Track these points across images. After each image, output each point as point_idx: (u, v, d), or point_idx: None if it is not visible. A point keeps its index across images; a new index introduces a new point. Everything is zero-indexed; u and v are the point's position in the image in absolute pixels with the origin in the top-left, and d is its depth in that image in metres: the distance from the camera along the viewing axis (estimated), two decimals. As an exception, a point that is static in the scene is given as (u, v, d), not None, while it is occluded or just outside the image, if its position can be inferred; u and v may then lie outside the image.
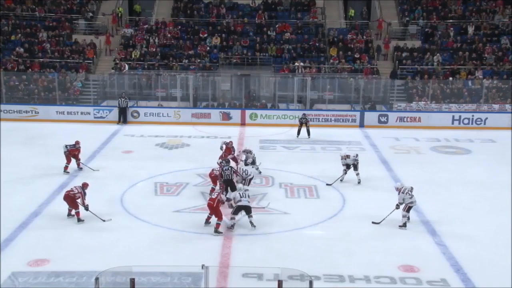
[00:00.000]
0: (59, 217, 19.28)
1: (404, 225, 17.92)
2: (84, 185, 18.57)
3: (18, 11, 41.08)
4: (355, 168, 22.54)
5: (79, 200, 18.33)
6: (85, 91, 36.09)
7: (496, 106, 34.11)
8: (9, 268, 15.37)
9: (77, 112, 33.90)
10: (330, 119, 33.47)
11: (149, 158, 26.21)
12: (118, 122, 33.17)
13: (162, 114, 33.92)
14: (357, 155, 22.86)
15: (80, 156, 24.01)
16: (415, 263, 15.93)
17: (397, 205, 17.85)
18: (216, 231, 17.40)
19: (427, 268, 15.64)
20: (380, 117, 33.52)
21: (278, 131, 31.51)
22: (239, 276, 15.03)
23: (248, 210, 17.54)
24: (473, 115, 33.39)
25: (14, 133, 29.88)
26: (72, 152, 24.37)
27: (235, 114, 33.79)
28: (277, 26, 40.21)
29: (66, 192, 18.53)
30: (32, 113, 33.46)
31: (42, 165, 24.76)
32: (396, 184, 18.17)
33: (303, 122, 30.19)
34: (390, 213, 17.87)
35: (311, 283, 11.28)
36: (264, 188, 22.14)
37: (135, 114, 33.66)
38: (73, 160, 23.65)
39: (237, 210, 17.59)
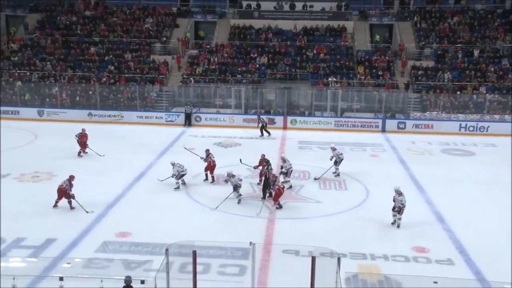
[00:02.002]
0: (138, 199, 19.66)
1: (396, 223, 17.24)
2: (71, 177, 18.38)
3: (111, 37, 41.68)
4: (336, 163, 22.64)
5: (70, 193, 18.12)
6: (159, 100, 36.45)
7: (497, 116, 33.66)
8: (101, 238, 15.99)
9: (153, 116, 34.39)
10: (357, 125, 33.28)
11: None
12: (184, 125, 33.46)
13: (219, 119, 34.15)
14: (341, 153, 22.99)
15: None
16: (426, 245, 15.93)
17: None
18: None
19: (435, 250, 15.65)
20: (399, 124, 33.20)
21: (314, 134, 31.38)
22: (279, 252, 15.13)
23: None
24: (477, 124, 32.96)
25: (103, 132, 30.38)
26: (82, 138, 25.41)
27: (279, 119, 33.78)
28: (314, 48, 40.06)
29: (59, 186, 18.21)
30: (118, 117, 33.97)
31: (125, 158, 25.15)
32: (396, 186, 17.38)
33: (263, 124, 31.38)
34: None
35: (339, 259, 11.30)
36: (301, 181, 22.17)
37: (198, 119, 33.89)
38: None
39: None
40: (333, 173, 22.74)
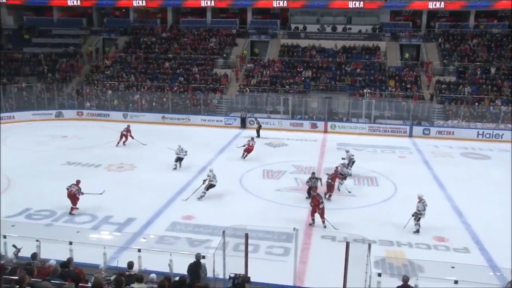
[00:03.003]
0: (201, 188, 19.80)
1: (417, 231, 15.87)
2: (78, 182, 17.11)
3: (182, 54, 42.23)
4: (348, 165, 21.71)
5: (79, 196, 16.75)
6: (219, 106, 36.74)
7: (510, 125, 32.55)
8: (170, 219, 16.40)
9: (214, 120, 34.70)
10: (388, 130, 32.80)
11: (260, 153, 26.37)
12: (240, 127, 33.61)
13: (270, 123, 34.02)
14: (353, 155, 22.56)
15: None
16: (445, 235, 15.76)
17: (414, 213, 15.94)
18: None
19: (454, 239, 15.48)
20: (424, 130, 32.59)
21: (350, 137, 31.09)
22: (318, 237, 15.16)
23: None
24: (493, 131, 32.14)
25: (174, 132, 30.88)
26: (127, 131, 27.44)
27: (320, 124, 33.59)
28: (351, 64, 39.66)
29: (68, 192, 16.71)
30: (185, 120, 34.43)
31: (191, 154, 25.42)
32: (419, 194, 16.28)
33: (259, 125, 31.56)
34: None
35: (369, 245, 11.21)
36: (339, 178, 21.97)
37: (251, 122, 33.94)
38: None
39: None
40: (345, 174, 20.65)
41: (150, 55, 42.49)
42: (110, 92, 37.59)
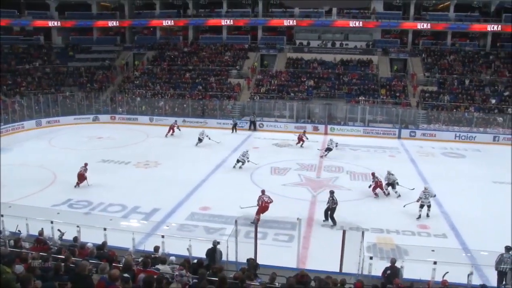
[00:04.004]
0: (216, 183, 19.94)
1: (427, 215, 16.31)
2: (86, 164, 19.13)
3: (200, 66, 42.22)
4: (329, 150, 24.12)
5: (86, 174, 18.74)
6: (233, 111, 36.71)
7: (481, 129, 32.64)
8: (189, 210, 16.47)
9: (228, 123, 33.98)
10: (380, 132, 32.64)
11: (268, 152, 26.49)
12: (249, 129, 33.48)
13: (277, 126, 33.98)
14: (337, 144, 24.60)
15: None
16: (427, 223, 15.83)
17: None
18: None
19: (434, 227, 15.59)
20: (411, 133, 32.39)
21: (347, 139, 30.73)
22: (318, 226, 15.20)
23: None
24: (467, 134, 31.94)
25: (193, 134, 30.87)
26: (174, 125, 30.38)
27: (321, 127, 33.50)
28: (348, 74, 39.52)
29: (78, 172, 18.66)
30: (203, 123, 34.41)
31: (208, 152, 25.54)
32: (425, 185, 17.12)
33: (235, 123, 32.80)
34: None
35: (363, 232, 11.27)
36: (336, 174, 21.98)
37: (261, 125, 33.90)
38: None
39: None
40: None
41: (173, 67, 42.56)
42: (138, 99, 37.72)
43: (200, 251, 10.80)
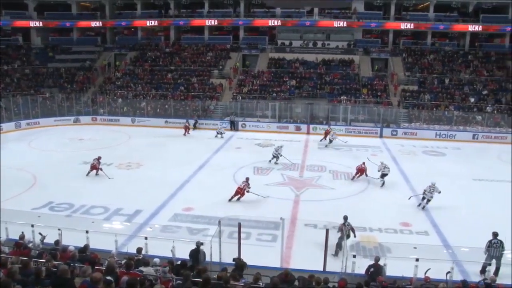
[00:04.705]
0: (199, 183, 19.82)
1: (419, 205, 17.36)
2: (99, 158, 20.56)
3: (182, 66, 42.01)
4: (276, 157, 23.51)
5: (99, 166, 20.25)
6: (215, 111, 36.64)
7: (461, 127, 33.11)
8: (173, 211, 16.35)
9: (211, 123, 34.26)
10: (362, 131, 32.91)
11: (251, 152, 26.49)
12: (231, 129, 33.37)
13: (259, 126, 34.00)
14: (281, 146, 24.07)
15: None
16: (409, 221, 15.95)
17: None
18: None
19: (416, 224, 15.72)
20: (392, 132, 32.70)
21: (329, 138, 31.15)
22: (302, 225, 15.19)
23: None
24: (447, 132, 32.45)
25: (175, 135, 30.83)
26: (186, 127, 30.94)
27: (303, 127, 33.60)
28: (330, 74, 39.73)
29: (91, 164, 20.38)
30: (186, 123, 34.25)
31: (191, 153, 25.39)
32: (433, 181, 17.46)
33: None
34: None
35: (345, 231, 11.21)
36: (319, 173, 22.07)
37: (243, 125, 33.88)
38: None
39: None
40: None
41: (155, 67, 42.26)
42: (120, 100, 37.37)
43: (183, 252, 10.75)
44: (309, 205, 17.36)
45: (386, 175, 20.20)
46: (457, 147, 29.62)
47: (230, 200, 17.42)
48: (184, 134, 31.10)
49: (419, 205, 17.31)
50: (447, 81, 38.29)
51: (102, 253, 10.24)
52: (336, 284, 8.64)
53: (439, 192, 17.03)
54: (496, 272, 11.26)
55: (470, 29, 41.91)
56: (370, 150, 27.72)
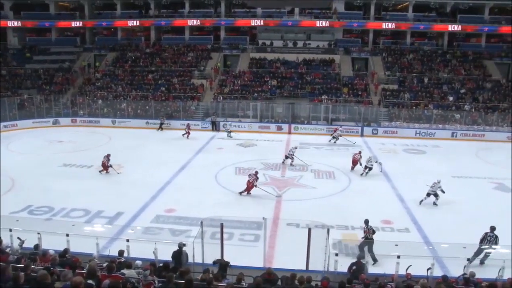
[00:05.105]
0: (181, 184, 19.71)
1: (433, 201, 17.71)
2: (108, 155, 21.25)
3: (163, 67, 41.80)
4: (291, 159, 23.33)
5: (108, 164, 20.99)
6: (196, 112, 36.50)
7: (440, 126, 33.63)
8: (154, 212, 16.22)
9: (192, 124, 34.07)
10: (343, 131, 32.99)
11: (233, 152, 26.43)
12: (212, 130, 33.27)
13: (241, 126, 33.91)
14: (295, 148, 24.00)
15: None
16: (390, 218, 16.03)
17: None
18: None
19: (397, 222, 15.84)
20: (373, 130, 33.00)
21: (311, 137, 31.33)
22: (284, 225, 15.19)
23: None
24: (427, 131, 32.91)
25: (154, 137, 30.62)
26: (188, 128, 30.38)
27: (285, 126, 33.66)
28: (311, 74, 39.93)
29: (102, 161, 21.11)
30: (167, 124, 34.07)
31: (172, 154, 25.25)
32: (437, 179, 17.95)
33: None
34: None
35: (328, 230, 11.35)
36: (301, 172, 22.13)
37: (225, 126, 33.85)
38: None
39: None
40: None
41: (136, 68, 41.94)
42: (100, 101, 36.97)
43: (166, 254, 10.68)
44: (291, 205, 17.40)
45: (370, 168, 21.30)
46: (437, 145, 30.04)
47: (240, 193, 18.16)
48: (187, 137, 30.40)
49: (434, 202, 17.60)
50: (426, 80, 38.83)
51: (83, 257, 10.09)
52: (319, 283, 8.68)
53: (440, 187, 17.52)
54: (483, 260, 11.76)
55: (450, 29, 42.70)
56: (351, 149, 27.87)
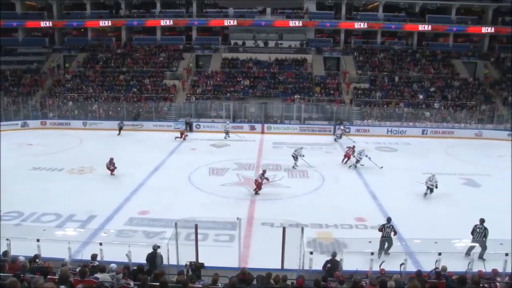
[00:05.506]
0: (154, 186, 19.52)
1: (425, 195, 18.47)
2: (111, 159, 20.95)
3: (135, 68, 41.33)
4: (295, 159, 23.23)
5: (111, 167, 20.71)
6: (169, 113, 36.23)
7: (411, 123, 34.31)
8: (128, 215, 16.00)
9: (165, 125, 34.09)
10: (316, 130, 33.44)
11: (206, 153, 26.40)
12: (186, 131, 32.79)
13: (214, 126, 33.83)
14: (301, 148, 23.80)
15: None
16: (364, 216, 16.20)
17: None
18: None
19: (370, 219, 15.96)
20: (345, 129, 33.27)
21: (284, 137, 31.49)
22: (259, 225, 15.20)
23: None
24: (398, 129, 33.54)
25: (126, 138, 30.25)
26: (184, 132, 29.84)
27: (258, 126, 33.73)
28: (284, 74, 40.11)
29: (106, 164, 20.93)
30: (139, 126, 33.70)
31: (145, 156, 24.97)
32: (432, 174, 18.81)
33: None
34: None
35: (302, 228, 11.39)
36: (275, 172, 22.10)
37: (197, 126, 33.68)
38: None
39: None
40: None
41: (107, 69, 41.35)
42: (70, 103, 36.29)
43: (140, 256, 10.56)
44: (266, 204, 17.44)
45: (358, 161, 22.74)
46: (408, 142, 30.61)
47: (255, 193, 18.39)
48: (184, 139, 29.93)
49: (425, 195, 18.38)
50: (397, 79, 39.49)
51: (55, 262, 9.86)
52: (294, 281, 8.73)
53: (431, 177, 18.37)
54: (481, 255, 11.91)
55: (420, 29, 43.52)
56: (324, 148, 28.19)
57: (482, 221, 12.82)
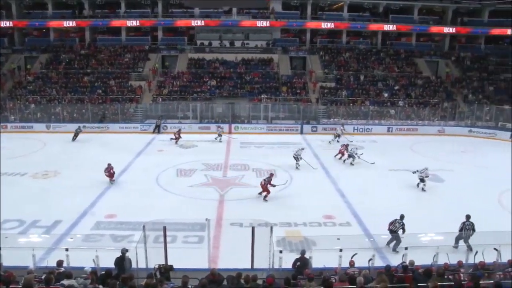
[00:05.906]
0: (121, 189, 19.26)
1: (421, 187, 19.44)
2: (109, 164, 19.86)
3: (99, 69, 40.59)
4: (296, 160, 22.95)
5: (112, 171, 19.77)
6: (135, 114, 35.74)
7: (376, 121, 34.98)
8: (94, 219, 15.75)
9: (131, 127, 33.56)
10: (283, 129, 33.60)
11: (173, 154, 26.18)
12: (153, 132, 32.82)
13: (181, 127, 33.48)
14: (302, 149, 23.91)
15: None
16: (332, 213, 16.40)
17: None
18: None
19: (338, 216, 16.21)
20: (312, 128, 33.74)
21: (252, 137, 31.56)
22: (227, 225, 15.19)
23: None
24: (365, 126, 34.13)
25: (94, 140, 29.66)
26: (178, 133, 29.54)
27: (225, 127, 33.49)
28: (250, 73, 40.15)
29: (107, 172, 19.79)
30: (105, 128, 33.12)
31: (111, 158, 24.58)
32: (425, 167, 19.69)
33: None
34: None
35: (271, 228, 11.45)
36: (243, 172, 22.21)
37: (164, 128, 33.37)
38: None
39: None
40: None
41: (70, 70, 40.41)
42: (33, 105, 35.31)
43: (108, 261, 10.39)
44: (234, 204, 17.44)
45: (350, 155, 23.63)
46: (374, 140, 31.15)
47: (263, 199, 18.06)
48: (176, 142, 29.26)
49: (422, 188, 19.24)
50: (362, 77, 40.13)
51: (18, 270, 9.56)
52: (265, 281, 8.75)
53: (423, 170, 19.36)
54: (470, 249, 12.15)
55: (385, 29, 44.35)
56: (292, 147, 28.22)
57: (468, 217, 13.29)
